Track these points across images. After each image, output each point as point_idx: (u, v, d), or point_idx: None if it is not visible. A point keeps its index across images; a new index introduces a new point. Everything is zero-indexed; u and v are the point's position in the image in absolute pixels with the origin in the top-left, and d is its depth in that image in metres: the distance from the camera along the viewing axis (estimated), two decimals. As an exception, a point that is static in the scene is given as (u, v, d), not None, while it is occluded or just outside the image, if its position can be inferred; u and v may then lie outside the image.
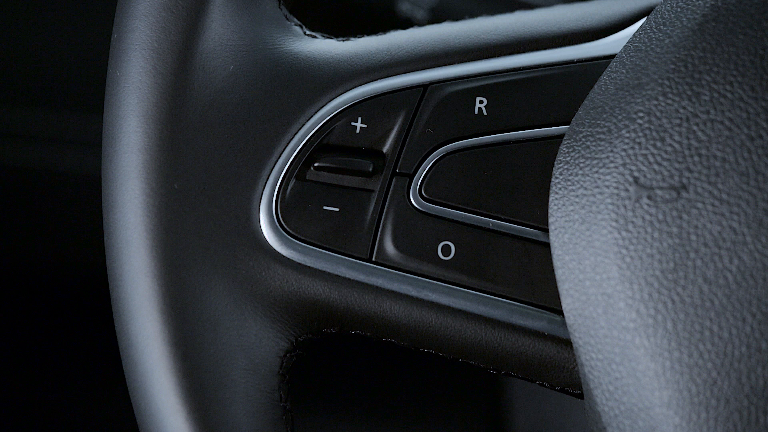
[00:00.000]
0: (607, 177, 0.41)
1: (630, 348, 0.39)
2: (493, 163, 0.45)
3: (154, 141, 0.44)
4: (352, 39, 0.48)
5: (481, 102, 0.46)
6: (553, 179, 0.43)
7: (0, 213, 0.92)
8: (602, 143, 0.42)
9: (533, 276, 0.44)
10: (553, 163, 0.44)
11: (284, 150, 0.45)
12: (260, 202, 0.44)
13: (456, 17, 0.50)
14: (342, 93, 0.46)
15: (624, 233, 0.40)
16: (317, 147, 0.45)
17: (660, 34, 0.43)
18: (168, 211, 0.43)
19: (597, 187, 0.41)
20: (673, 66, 0.41)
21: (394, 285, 0.44)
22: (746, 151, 0.39)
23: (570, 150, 0.43)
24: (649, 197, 0.40)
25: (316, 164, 0.45)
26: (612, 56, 0.46)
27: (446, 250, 0.44)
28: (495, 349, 0.44)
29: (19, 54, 0.89)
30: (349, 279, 0.44)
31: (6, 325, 1.00)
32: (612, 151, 0.41)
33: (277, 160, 0.45)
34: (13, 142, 0.89)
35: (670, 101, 0.41)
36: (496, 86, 0.46)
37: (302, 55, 0.46)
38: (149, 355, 0.42)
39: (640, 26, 0.45)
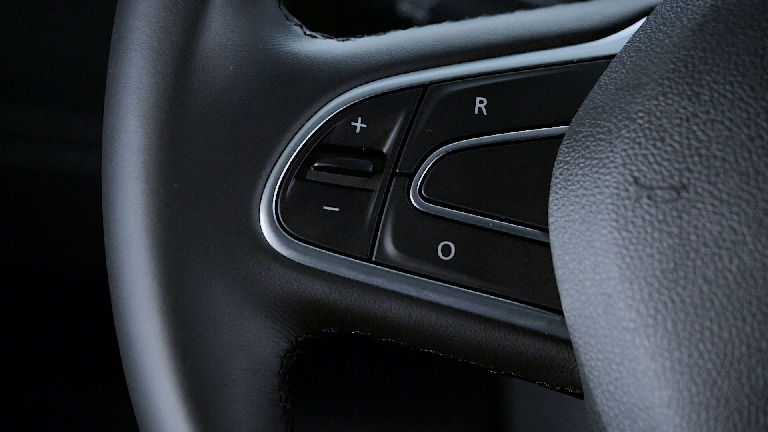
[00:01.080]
0: (607, 177, 0.41)
1: (630, 348, 0.39)
2: (493, 163, 0.45)
3: (154, 141, 0.44)
4: (352, 39, 0.48)
5: (481, 102, 0.46)
6: (553, 179, 0.43)
7: (0, 213, 0.92)
8: (602, 143, 0.42)
9: (533, 276, 0.44)
10: (553, 163, 0.44)
11: (284, 150, 0.45)
12: (260, 202, 0.44)
13: (456, 17, 0.50)
14: (342, 93, 0.46)
15: (624, 233, 0.40)
16: (317, 147, 0.45)
17: (660, 34, 0.43)
18: (168, 211, 0.43)
19: (597, 187, 0.41)
20: (673, 66, 0.41)
21: (394, 285, 0.44)
22: (746, 151, 0.39)
23: (570, 150, 0.43)
24: (649, 197, 0.40)
25: (316, 164, 0.45)
26: (612, 56, 0.46)
27: (446, 250, 0.44)
28: (495, 349, 0.44)
29: (19, 54, 0.89)
30: (349, 279, 0.44)
31: (6, 325, 1.00)
32: (612, 151, 0.41)
33: (277, 160, 0.45)
34: (13, 142, 0.89)
35: (670, 101, 0.41)
36: (496, 86, 0.46)
37: (302, 55, 0.46)
38: (149, 355, 0.42)
39: (640, 26, 0.45)
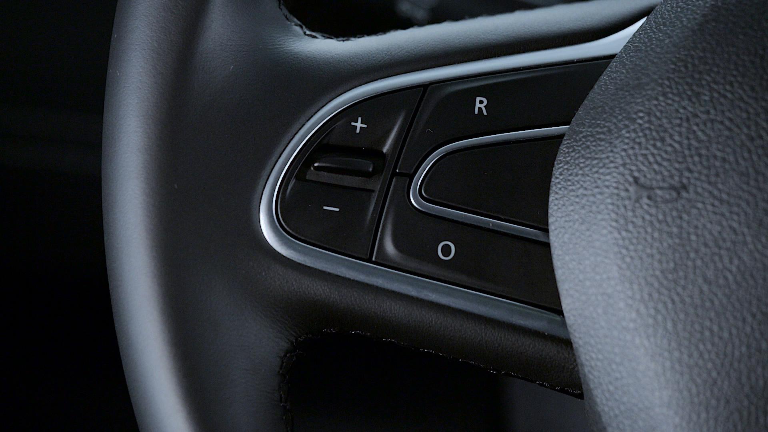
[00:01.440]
0: (607, 177, 0.41)
1: (630, 348, 0.39)
2: (493, 163, 0.45)
3: (154, 141, 0.44)
4: (352, 39, 0.48)
5: (481, 102, 0.46)
6: (553, 179, 0.43)
7: (0, 213, 0.92)
8: (602, 143, 0.42)
9: (533, 276, 0.44)
10: (553, 163, 0.44)
11: (284, 150, 0.45)
12: (260, 202, 0.44)
13: (456, 17, 0.50)
14: (342, 93, 0.46)
15: (624, 233, 0.40)
16: (317, 147, 0.45)
17: (660, 34, 0.43)
18: (168, 211, 0.43)
19: (597, 187, 0.41)
20: (673, 66, 0.41)
21: (394, 285, 0.44)
22: (746, 151, 0.39)
23: (570, 150, 0.43)
24: (649, 197, 0.40)
25: (316, 164, 0.45)
26: (612, 56, 0.46)
27: (446, 250, 0.44)
28: (495, 349, 0.44)
29: (19, 54, 0.89)
30: (349, 279, 0.44)
31: (6, 325, 1.00)
32: (612, 151, 0.41)
33: (277, 160, 0.45)
34: (13, 142, 0.89)
35: (670, 101, 0.41)
36: (496, 86, 0.46)
37: (302, 55, 0.46)
38: (149, 355, 0.42)
39: (640, 26, 0.45)
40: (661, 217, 0.39)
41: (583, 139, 0.43)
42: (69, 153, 0.88)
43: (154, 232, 0.43)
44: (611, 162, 0.41)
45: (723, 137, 0.39)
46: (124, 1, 0.46)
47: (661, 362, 0.38)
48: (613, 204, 0.40)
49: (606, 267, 0.40)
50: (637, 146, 0.41)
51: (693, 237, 0.39)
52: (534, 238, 0.44)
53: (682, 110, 0.40)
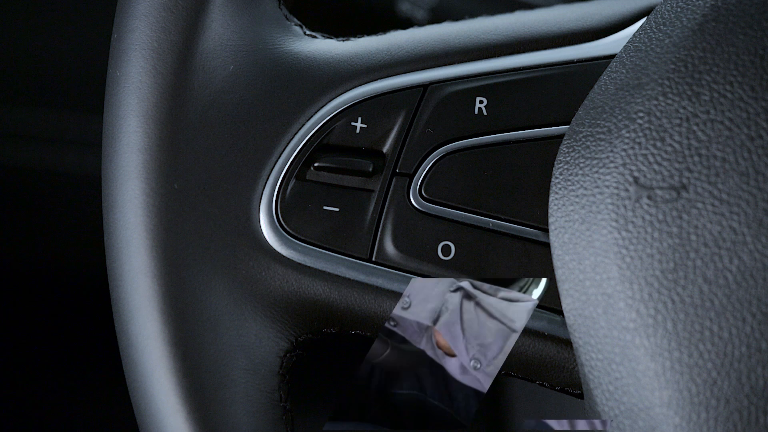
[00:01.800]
0: (607, 177, 0.41)
1: (630, 348, 0.39)
2: (493, 163, 0.45)
3: (154, 141, 0.44)
4: (352, 39, 0.48)
5: (481, 102, 0.46)
6: (553, 179, 0.43)
7: (0, 213, 0.92)
8: (602, 143, 0.42)
9: (533, 276, 0.44)
10: (553, 163, 0.44)
11: (284, 150, 0.45)
12: (260, 202, 0.44)
13: (456, 17, 0.50)
14: (342, 93, 0.46)
15: (624, 233, 0.40)
16: (317, 147, 0.45)
17: (660, 34, 0.43)
18: (168, 211, 0.43)
19: (597, 187, 0.41)
20: (673, 66, 0.41)
21: (394, 285, 0.44)
22: (746, 151, 0.39)
23: (570, 150, 0.43)
24: (649, 197, 0.40)
25: (316, 164, 0.45)
26: (612, 56, 0.46)
27: (446, 250, 0.44)
28: (495, 349, 0.44)
29: (19, 54, 0.89)
30: (349, 279, 0.44)
31: (6, 325, 1.00)
32: (612, 151, 0.41)
33: (277, 160, 0.45)
34: (13, 142, 0.89)
35: (670, 101, 0.41)
36: (496, 86, 0.46)
37: (302, 55, 0.46)
38: (149, 355, 0.42)
39: (640, 26, 0.45)
40: (661, 217, 0.39)
41: (583, 139, 0.43)
42: (69, 153, 0.88)
43: (154, 232, 0.43)
44: (611, 162, 0.41)
45: (723, 137, 0.39)
46: (124, 1, 0.46)
47: (661, 362, 0.38)
48: (613, 204, 0.40)
49: (606, 267, 0.40)
50: (637, 146, 0.41)
51: (693, 237, 0.39)
52: (534, 238, 0.44)
53: (682, 110, 0.40)
